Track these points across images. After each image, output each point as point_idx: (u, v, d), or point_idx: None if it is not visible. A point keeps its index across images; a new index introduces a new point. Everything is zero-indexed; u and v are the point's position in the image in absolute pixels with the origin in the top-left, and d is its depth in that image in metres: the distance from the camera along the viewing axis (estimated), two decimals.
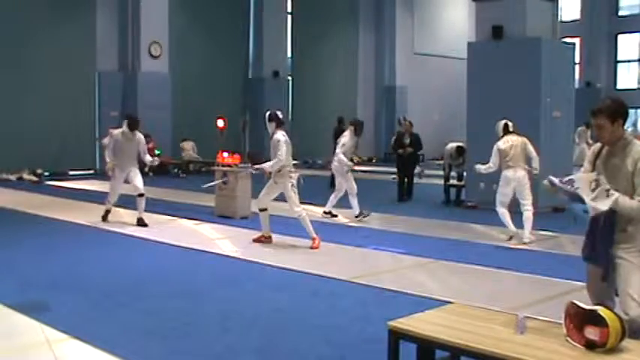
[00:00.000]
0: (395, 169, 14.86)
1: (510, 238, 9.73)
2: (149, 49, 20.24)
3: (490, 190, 13.14)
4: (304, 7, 25.55)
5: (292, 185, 9.06)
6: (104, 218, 11.06)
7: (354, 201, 11.44)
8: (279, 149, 8.85)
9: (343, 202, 12.88)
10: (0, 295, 6.38)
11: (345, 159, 11.39)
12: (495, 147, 9.70)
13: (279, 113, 9.11)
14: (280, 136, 8.94)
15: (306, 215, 9.22)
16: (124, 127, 10.65)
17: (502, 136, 9.77)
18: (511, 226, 9.69)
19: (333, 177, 16.54)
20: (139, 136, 10.75)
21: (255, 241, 9.39)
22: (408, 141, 14.15)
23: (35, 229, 10.80)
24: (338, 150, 11.55)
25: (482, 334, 3.73)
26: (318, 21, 25.99)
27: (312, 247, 9.03)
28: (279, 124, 9.03)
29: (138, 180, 10.65)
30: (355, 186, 11.49)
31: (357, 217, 11.40)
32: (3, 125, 18.17)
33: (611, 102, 4.13)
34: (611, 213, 3.99)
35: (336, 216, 11.70)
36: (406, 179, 14.39)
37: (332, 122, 26.84)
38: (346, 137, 11.65)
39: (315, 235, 9.14)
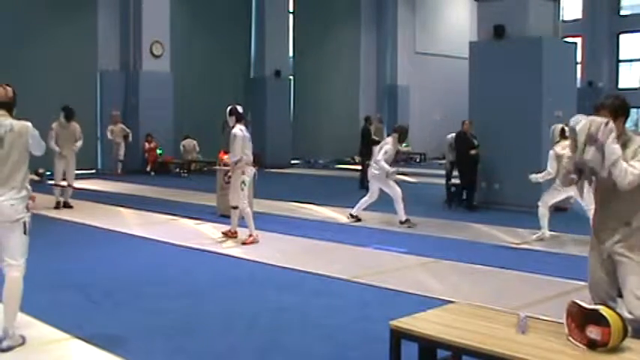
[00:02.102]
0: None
1: (540, 239, 9.71)
2: (151, 49, 20.25)
3: (492, 190, 13.23)
4: (306, 7, 25.55)
5: (242, 182, 9.27)
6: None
7: (399, 206, 10.84)
8: (234, 143, 9.13)
9: (344, 203, 12.88)
10: (0, 295, 6.37)
11: (387, 166, 10.81)
12: (552, 152, 9.43)
13: (239, 108, 9.34)
14: (237, 130, 9.19)
15: (250, 212, 9.34)
16: (61, 118, 12.35)
17: (558, 141, 9.48)
18: (546, 229, 9.76)
19: (362, 179, 16.46)
20: (74, 124, 12.46)
21: (223, 233, 9.78)
22: (475, 141, 12.97)
23: (36, 228, 10.75)
24: (379, 157, 10.83)
25: (484, 333, 3.73)
26: (320, 20, 26.00)
27: (243, 243, 9.26)
28: (239, 118, 9.27)
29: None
30: (400, 191, 10.94)
31: (402, 223, 10.81)
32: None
33: (615, 99, 4.15)
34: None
35: (360, 220, 11.23)
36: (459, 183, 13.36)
37: (333, 122, 27.14)
38: (389, 144, 10.94)
39: (253, 232, 9.29)
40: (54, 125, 12.43)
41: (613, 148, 3.86)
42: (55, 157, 12.47)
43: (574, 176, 4.06)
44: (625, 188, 3.91)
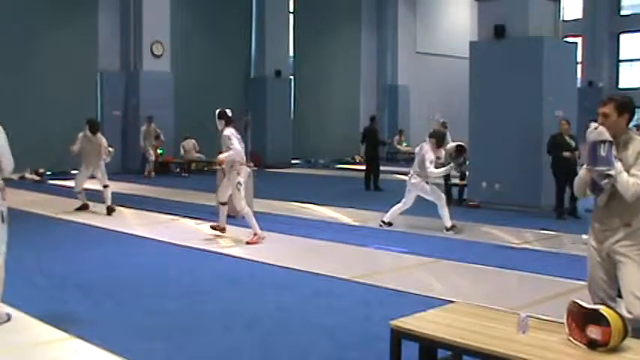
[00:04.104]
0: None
1: (585, 243, 9.33)
2: (151, 49, 20.26)
3: (492, 190, 13.23)
4: (306, 7, 25.55)
5: (239, 183, 9.26)
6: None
7: (444, 212, 10.45)
8: (231, 142, 9.15)
9: (344, 203, 12.89)
10: None
11: (441, 171, 10.46)
12: None
13: (228, 111, 9.41)
14: (229, 132, 9.27)
15: (249, 211, 9.35)
16: (86, 131, 11.87)
17: None
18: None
19: (367, 180, 16.36)
20: (100, 137, 11.93)
21: (212, 227, 9.81)
22: (573, 143, 11.91)
23: (37, 228, 10.81)
24: (431, 169, 10.17)
25: (485, 333, 3.72)
26: (321, 20, 26.00)
27: (247, 242, 9.24)
28: (228, 122, 9.37)
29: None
30: (443, 196, 10.74)
31: (447, 230, 10.40)
32: (5, 125, 18.11)
33: (624, 96, 4.18)
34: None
35: (391, 224, 10.84)
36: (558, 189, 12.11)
37: (333, 122, 27.15)
38: (429, 153, 10.26)
39: (257, 231, 9.29)
40: (80, 136, 12.04)
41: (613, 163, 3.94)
42: (81, 164, 12.24)
43: (589, 191, 4.16)
44: (630, 200, 3.95)
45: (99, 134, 12.00)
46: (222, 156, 9.23)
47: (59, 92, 19.34)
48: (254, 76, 24.30)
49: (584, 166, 4.18)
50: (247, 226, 9.47)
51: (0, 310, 5.30)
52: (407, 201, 10.69)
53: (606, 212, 4.15)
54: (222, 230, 9.75)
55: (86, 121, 12.36)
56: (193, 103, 21.60)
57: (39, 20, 19.05)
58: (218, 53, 23.00)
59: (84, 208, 12.25)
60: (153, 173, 19.36)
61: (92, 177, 12.21)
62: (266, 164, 21.58)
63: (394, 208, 10.82)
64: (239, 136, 9.43)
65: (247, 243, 9.25)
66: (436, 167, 10.27)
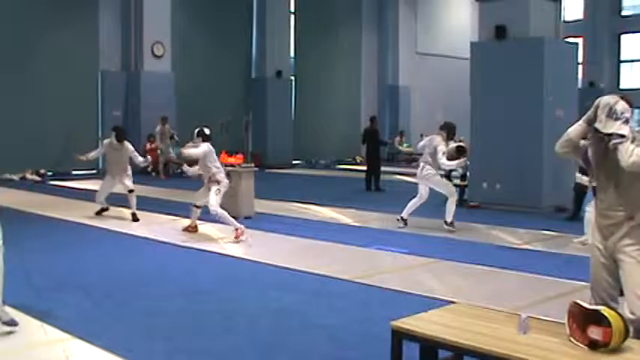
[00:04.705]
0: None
1: (583, 244, 9.03)
2: (152, 49, 20.24)
3: (493, 190, 13.23)
4: (307, 7, 25.56)
5: (218, 189, 9.75)
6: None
7: (451, 206, 10.46)
8: (211, 160, 9.85)
9: (345, 203, 12.88)
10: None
11: (453, 164, 10.49)
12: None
13: (206, 130, 10.04)
14: (204, 146, 9.86)
15: (223, 212, 9.62)
16: (112, 138, 11.45)
17: None
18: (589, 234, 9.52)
19: (369, 181, 16.35)
20: (127, 145, 11.48)
21: (184, 229, 10.28)
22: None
23: (38, 228, 10.82)
24: (443, 160, 10.19)
25: (485, 333, 3.72)
26: (321, 20, 26.01)
27: (235, 238, 9.53)
28: (205, 140, 9.95)
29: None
30: (454, 190, 10.81)
31: (447, 224, 10.47)
32: (6, 125, 18.17)
33: (624, 96, 4.11)
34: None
35: (406, 224, 10.79)
36: None
37: (334, 122, 27.14)
38: (442, 145, 10.28)
39: (238, 226, 9.59)
40: (104, 143, 11.61)
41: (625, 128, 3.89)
42: (106, 172, 11.82)
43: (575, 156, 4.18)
44: (627, 166, 3.87)
45: (125, 142, 11.42)
46: (190, 171, 10.19)
47: (60, 92, 19.34)
48: (255, 76, 24.30)
49: (581, 122, 4.13)
50: (251, 227, 9.49)
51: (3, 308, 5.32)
52: (422, 195, 10.64)
53: (608, 204, 4.12)
54: (195, 230, 10.25)
55: (112, 128, 12.02)
56: (194, 103, 21.59)
57: (40, 20, 19.03)
58: (219, 53, 23.00)
59: (103, 210, 11.79)
60: (163, 175, 19.48)
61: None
62: (266, 165, 21.56)
63: (410, 203, 10.74)
64: (213, 149, 9.98)
65: (235, 238, 9.53)
66: (403, 160, 10.52)
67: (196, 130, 10.09)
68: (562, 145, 4.29)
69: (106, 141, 11.67)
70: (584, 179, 9.52)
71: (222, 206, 9.69)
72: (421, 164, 10.60)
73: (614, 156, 3.95)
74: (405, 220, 10.78)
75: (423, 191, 10.62)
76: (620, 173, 3.99)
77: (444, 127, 10.61)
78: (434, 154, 10.24)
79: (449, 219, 10.43)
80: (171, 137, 19.55)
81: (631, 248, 4.04)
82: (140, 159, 11.63)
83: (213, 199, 9.66)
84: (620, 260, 4.09)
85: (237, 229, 9.58)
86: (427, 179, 10.50)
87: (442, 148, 10.21)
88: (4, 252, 5.29)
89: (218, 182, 9.78)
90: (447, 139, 10.46)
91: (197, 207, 10.23)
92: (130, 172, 11.59)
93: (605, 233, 4.15)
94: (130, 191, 11.45)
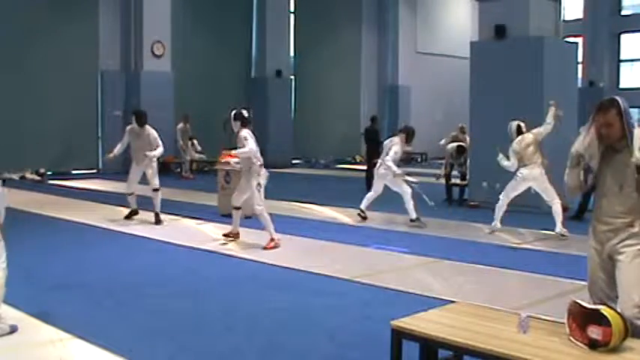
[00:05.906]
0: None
1: (492, 232, 10.09)
2: (152, 49, 20.24)
3: (493, 190, 13.20)
4: (307, 7, 25.55)
5: (258, 184, 8.90)
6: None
7: (409, 205, 10.86)
8: (246, 141, 8.82)
9: (345, 203, 12.89)
10: None
11: (395, 167, 10.85)
12: (512, 148, 9.98)
13: (244, 112, 9.04)
14: (246, 133, 8.90)
15: (267, 214, 9.00)
16: (134, 123, 10.84)
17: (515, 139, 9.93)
18: (498, 221, 10.13)
19: (369, 181, 16.38)
20: (148, 129, 10.77)
21: (224, 235, 9.57)
22: None
23: (38, 228, 10.82)
24: (388, 158, 10.86)
25: (485, 333, 3.73)
26: (321, 20, 26.00)
27: (264, 247, 8.91)
28: (245, 123, 8.96)
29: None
30: (409, 189, 10.97)
31: (412, 221, 10.84)
32: (6, 125, 18.18)
33: (621, 99, 4.06)
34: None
35: (366, 218, 11.23)
36: None
37: (334, 122, 27.12)
38: (398, 146, 10.96)
39: (274, 236, 8.97)
40: (128, 129, 10.97)
41: None
42: (132, 162, 11.17)
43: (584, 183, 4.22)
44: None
45: (147, 126, 10.72)
46: (236, 151, 8.96)
47: (60, 92, 19.33)
48: (255, 76, 24.29)
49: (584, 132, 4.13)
50: (252, 226, 9.43)
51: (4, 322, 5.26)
52: (376, 190, 11.28)
53: (609, 211, 4.10)
54: (236, 236, 9.47)
55: (132, 112, 11.49)
56: (194, 103, 21.58)
57: (39, 20, 19.02)
58: (219, 53, 22.99)
59: (133, 214, 11.25)
60: (190, 174, 19.43)
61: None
62: (266, 164, 21.42)
63: (367, 196, 11.38)
64: (254, 138, 9.04)
65: (264, 248, 8.90)
66: (401, 160, 11.34)
67: (232, 113, 8.98)
68: (572, 193, 4.48)
69: (128, 127, 11.07)
70: None
71: (224, 206, 9.64)
72: (379, 162, 11.25)
73: (617, 164, 3.96)
74: (364, 213, 11.30)
75: (378, 187, 11.27)
76: (623, 180, 3.99)
77: (403, 131, 11.43)
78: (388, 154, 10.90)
79: (413, 216, 10.88)
80: (191, 139, 19.57)
81: (629, 249, 4.04)
82: (155, 152, 10.70)
83: (258, 198, 8.89)
84: (617, 260, 4.08)
85: (272, 239, 8.95)
86: (383, 178, 11.14)
87: (397, 148, 10.95)
88: (6, 275, 5.26)
89: (258, 174, 8.96)
90: (406, 141, 11.18)
91: (237, 209, 9.38)
92: (155, 166, 11.02)
93: (602, 238, 4.13)
94: (155, 190, 10.93)
